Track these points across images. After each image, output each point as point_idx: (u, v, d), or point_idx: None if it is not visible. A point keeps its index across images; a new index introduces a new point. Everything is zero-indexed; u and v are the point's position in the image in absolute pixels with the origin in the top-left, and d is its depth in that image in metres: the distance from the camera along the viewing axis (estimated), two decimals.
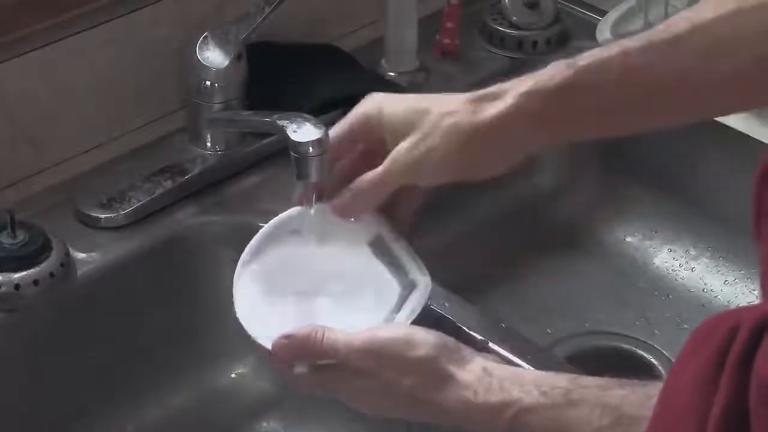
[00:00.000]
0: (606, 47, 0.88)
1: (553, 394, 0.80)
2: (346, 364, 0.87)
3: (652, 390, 0.75)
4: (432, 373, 0.85)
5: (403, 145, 0.91)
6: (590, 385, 0.81)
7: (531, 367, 0.98)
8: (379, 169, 0.92)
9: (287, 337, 0.88)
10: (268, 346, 0.88)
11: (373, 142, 0.94)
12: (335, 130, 0.97)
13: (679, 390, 0.64)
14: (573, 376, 0.82)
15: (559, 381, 0.82)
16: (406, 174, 0.92)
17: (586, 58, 0.87)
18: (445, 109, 0.91)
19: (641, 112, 0.88)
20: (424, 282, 0.92)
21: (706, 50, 0.83)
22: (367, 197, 0.94)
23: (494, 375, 0.84)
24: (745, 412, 0.59)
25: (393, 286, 0.93)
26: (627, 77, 0.86)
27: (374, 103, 0.95)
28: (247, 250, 0.95)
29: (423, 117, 0.91)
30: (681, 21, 0.85)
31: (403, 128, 0.92)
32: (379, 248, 0.95)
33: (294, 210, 0.97)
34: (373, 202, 0.94)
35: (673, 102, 0.87)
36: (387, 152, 0.92)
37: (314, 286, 0.94)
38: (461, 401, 0.83)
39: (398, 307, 0.91)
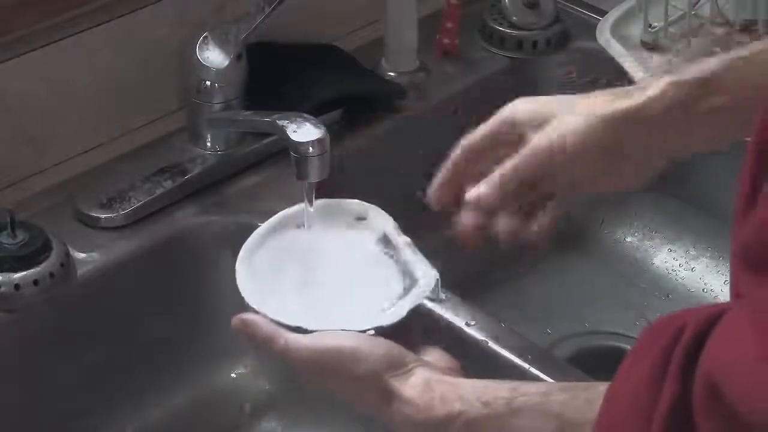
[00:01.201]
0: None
1: (495, 404, 0.79)
2: (294, 369, 0.87)
3: (593, 394, 0.74)
4: (374, 389, 0.84)
5: (541, 132, 0.87)
6: (531, 392, 0.79)
7: (531, 368, 0.98)
8: (512, 157, 0.87)
9: (253, 326, 0.88)
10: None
11: (515, 144, 0.88)
12: (475, 133, 0.91)
13: (626, 390, 0.64)
14: (514, 384, 0.81)
15: (500, 391, 0.80)
16: (538, 160, 0.86)
17: (731, 53, 0.85)
18: (588, 99, 0.88)
19: None
20: (427, 277, 0.91)
21: None
22: (498, 185, 0.87)
23: (435, 389, 0.82)
24: (689, 410, 0.59)
25: (395, 281, 0.93)
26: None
27: (512, 105, 0.91)
28: (253, 236, 0.95)
29: (562, 106, 0.88)
30: None
31: (540, 119, 0.87)
32: (386, 245, 0.95)
33: (299, 206, 0.97)
34: (504, 190, 0.87)
35: None
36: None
37: (316, 276, 0.94)
38: (405, 417, 0.82)
39: (393, 302, 0.91)
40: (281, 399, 1.18)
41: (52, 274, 1.03)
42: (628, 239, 1.38)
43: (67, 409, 1.09)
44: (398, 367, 0.84)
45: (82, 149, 1.17)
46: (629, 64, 1.28)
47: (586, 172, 0.87)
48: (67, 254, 1.05)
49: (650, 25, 1.30)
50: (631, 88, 0.87)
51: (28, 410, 1.06)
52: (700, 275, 1.33)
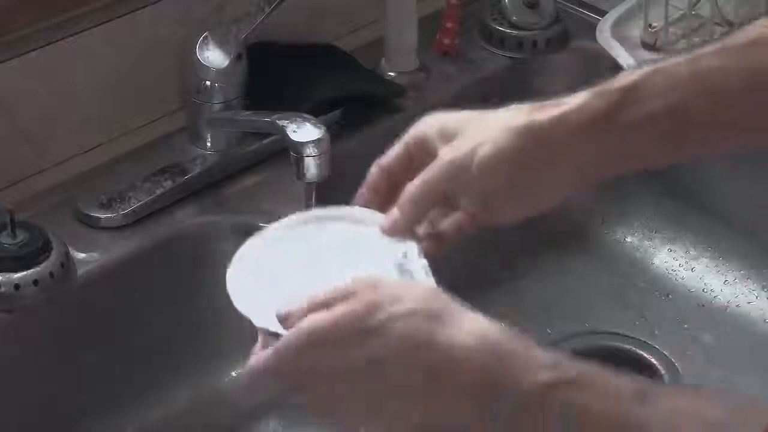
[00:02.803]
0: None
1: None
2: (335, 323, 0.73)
3: None
4: (445, 302, 0.73)
5: (450, 145, 0.83)
6: None
7: None
8: (421, 173, 0.83)
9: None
10: (263, 324, 0.79)
11: (430, 161, 0.84)
12: (389, 153, 0.87)
13: None
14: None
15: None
16: (449, 175, 0.82)
17: (655, 63, 0.83)
18: (502, 113, 0.83)
19: (706, 126, 0.81)
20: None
21: None
22: (409, 208, 0.83)
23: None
24: None
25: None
26: (696, 81, 0.80)
27: (428, 120, 0.86)
28: (262, 234, 0.87)
29: (476, 121, 0.84)
30: (758, 27, 0.82)
31: (452, 133, 0.83)
32: (402, 263, 0.86)
33: (326, 209, 0.89)
34: (417, 213, 0.83)
35: (743, 114, 0.81)
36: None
37: (315, 278, 0.85)
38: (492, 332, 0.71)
39: None
40: (281, 399, 1.18)
41: (52, 274, 1.03)
42: (628, 239, 1.38)
43: (67, 409, 1.09)
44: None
45: (82, 149, 1.17)
46: (629, 64, 1.28)
47: (498, 187, 0.82)
48: (67, 254, 1.05)
49: (650, 25, 1.30)
50: (553, 100, 0.83)
51: (28, 410, 1.06)
52: (700, 275, 1.33)
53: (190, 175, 1.15)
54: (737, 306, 1.29)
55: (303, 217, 0.88)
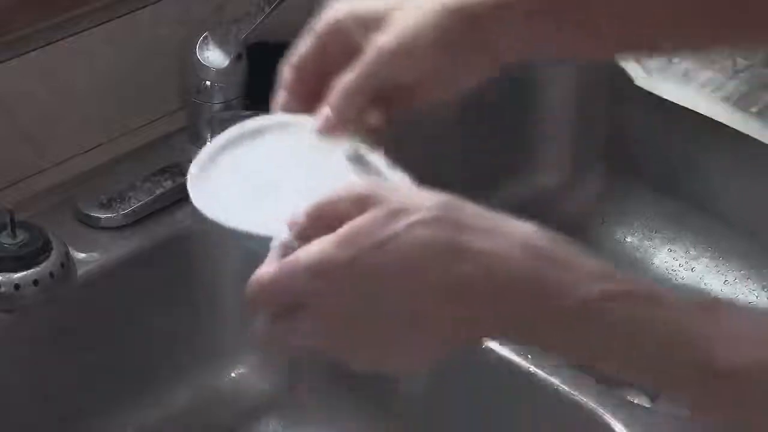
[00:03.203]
0: None
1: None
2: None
3: None
4: (475, 209, 0.67)
5: (383, 32, 0.76)
6: None
7: (534, 368, 0.98)
8: (355, 66, 0.77)
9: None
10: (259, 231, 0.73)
11: (347, 52, 0.78)
12: (300, 49, 0.80)
13: None
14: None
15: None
16: (388, 62, 0.76)
17: None
18: None
19: (664, 17, 0.76)
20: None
21: None
22: (343, 104, 0.77)
23: None
24: None
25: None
26: None
27: (339, 8, 0.79)
28: (206, 149, 0.82)
29: (404, 3, 0.77)
30: None
31: (379, 21, 0.77)
32: (356, 157, 0.81)
33: (250, 121, 0.83)
34: (353, 107, 0.78)
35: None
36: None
37: (279, 183, 0.80)
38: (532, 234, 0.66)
39: None
40: (281, 399, 1.18)
41: (52, 274, 1.03)
42: (628, 239, 1.38)
43: (67, 409, 1.09)
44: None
45: (82, 149, 1.17)
46: (629, 64, 1.28)
47: (431, 71, 0.78)
48: (67, 254, 1.05)
49: None
50: None
51: (28, 410, 1.06)
52: (700, 275, 1.33)
53: None
54: None
55: (236, 133, 0.82)
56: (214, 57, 1.14)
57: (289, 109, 0.81)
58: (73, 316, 1.07)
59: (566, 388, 0.98)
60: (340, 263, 0.65)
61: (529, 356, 0.99)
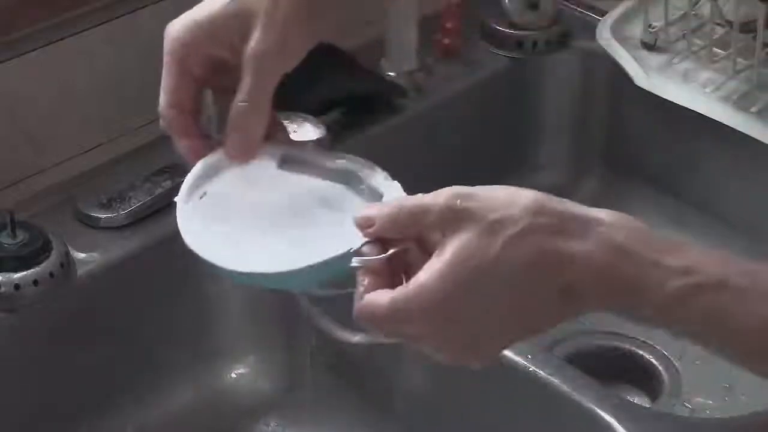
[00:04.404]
0: None
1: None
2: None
3: None
4: (555, 206, 0.69)
5: (255, 37, 0.77)
6: None
7: (534, 367, 0.98)
8: (243, 82, 0.77)
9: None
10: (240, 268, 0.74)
11: (212, 67, 0.79)
12: (169, 87, 0.80)
13: None
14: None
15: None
16: (274, 62, 0.78)
17: None
18: None
19: None
20: (381, 177, 0.79)
21: None
22: (253, 124, 0.79)
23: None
24: None
25: (343, 193, 0.79)
26: None
27: (175, 29, 0.81)
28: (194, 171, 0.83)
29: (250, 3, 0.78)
30: None
31: (238, 29, 0.77)
32: (290, 163, 0.82)
33: (209, 158, 0.83)
34: (263, 125, 0.79)
35: None
36: (239, 60, 0.77)
37: (259, 221, 0.79)
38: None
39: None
40: (281, 399, 1.18)
41: (52, 274, 1.03)
42: None
43: (67, 409, 1.09)
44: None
45: (82, 149, 1.17)
46: (629, 64, 1.28)
47: (301, 42, 0.80)
48: (67, 254, 1.05)
49: (650, 25, 1.30)
50: None
51: (28, 410, 1.06)
52: None
53: None
54: None
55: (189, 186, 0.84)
56: None
57: (200, 151, 0.81)
58: (73, 316, 1.07)
59: (566, 388, 0.98)
60: (452, 297, 0.67)
61: (529, 356, 0.99)
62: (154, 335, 1.13)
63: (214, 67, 0.79)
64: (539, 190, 0.69)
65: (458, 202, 0.68)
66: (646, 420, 0.97)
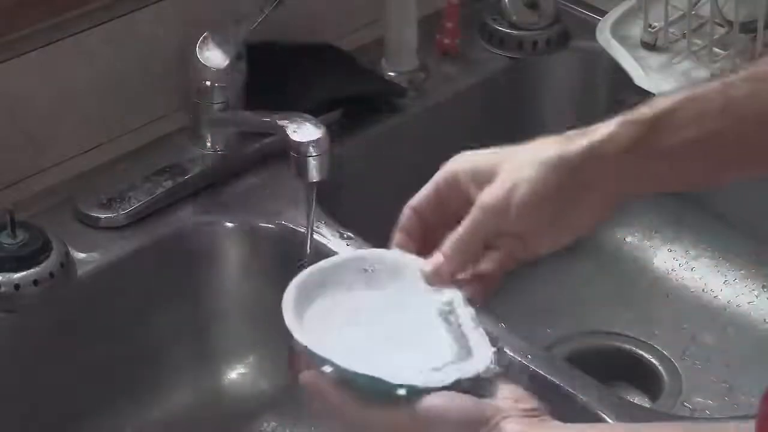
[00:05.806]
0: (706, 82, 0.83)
1: None
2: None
3: None
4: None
5: (487, 189, 0.84)
6: None
7: (534, 367, 0.98)
8: (464, 220, 0.84)
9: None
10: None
11: (462, 202, 0.86)
12: (420, 194, 0.88)
13: None
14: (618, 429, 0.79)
15: None
16: (492, 218, 0.83)
17: (684, 91, 0.83)
18: (532, 146, 0.84)
19: (741, 152, 0.82)
20: (482, 355, 0.81)
21: None
22: (453, 257, 0.85)
23: None
24: None
25: (448, 347, 0.83)
26: (729, 108, 0.81)
27: (458, 160, 0.87)
28: (312, 269, 0.88)
29: (509, 158, 0.84)
30: None
31: (487, 175, 0.84)
32: (448, 312, 0.86)
33: (368, 251, 0.91)
34: (462, 261, 0.85)
35: None
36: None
37: (365, 323, 0.85)
38: None
39: (440, 367, 0.81)
40: (281, 399, 1.18)
41: (52, 274, 1.03)
42: (628, 239, 1.37)
43: (67, 409, 1.09)
44: (481, 424, 0.76)
45: (82, 149, 1.17)
46: (629, 64, 1.28)
47: (538, 225, 0.84)
48: (67, 254, 1.05)
49: (650, 25, 1.30)
50: (579, 131, 0.85)
51: (27, 410, 1.07)
52: (700, 275, 1.33)
53: (190, 175, 1.15)
54: (737, 306, 1.29)
55: (346, 258, 0.90)
56: (214, 57, 1.14)
57: (403, 247, 0.88)
58: (73, 316, 1.07)
59: (566, 388, 0.98)
60: None
61: (529, 356, 0.99)
62: (154, 335, 1.13)
63: (465, 203, 0.86)
64: None
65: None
66: (646, 420, 0.97)
